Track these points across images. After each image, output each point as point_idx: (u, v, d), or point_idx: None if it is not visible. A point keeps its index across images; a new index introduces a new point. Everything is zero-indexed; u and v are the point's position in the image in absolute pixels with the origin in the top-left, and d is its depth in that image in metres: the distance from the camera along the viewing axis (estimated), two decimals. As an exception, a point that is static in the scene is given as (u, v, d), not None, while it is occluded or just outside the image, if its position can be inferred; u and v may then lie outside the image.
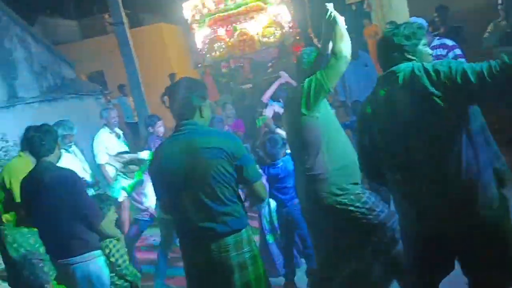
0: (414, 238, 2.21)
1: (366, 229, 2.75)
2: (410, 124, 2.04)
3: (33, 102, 7.44)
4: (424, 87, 1.97)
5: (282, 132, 4.00)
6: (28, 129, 3.00)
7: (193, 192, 2.30)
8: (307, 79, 2.78)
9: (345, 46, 2.75)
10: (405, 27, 2.16)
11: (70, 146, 4.73)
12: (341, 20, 2.83)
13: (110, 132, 5.56)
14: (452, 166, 1.99)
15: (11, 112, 6.88)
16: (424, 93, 1.98)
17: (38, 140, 2.92)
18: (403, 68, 2.09)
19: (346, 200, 2.72)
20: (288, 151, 3.77)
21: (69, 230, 2.86)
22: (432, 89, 1.95)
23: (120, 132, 5.80)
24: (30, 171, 3.01)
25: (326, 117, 2.81)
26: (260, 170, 3.94)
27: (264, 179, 4.06)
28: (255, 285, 2.37)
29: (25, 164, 3.44)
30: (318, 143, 2.76)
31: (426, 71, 2.00)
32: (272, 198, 3.92)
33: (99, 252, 2.98)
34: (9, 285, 3.57)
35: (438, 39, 4.36)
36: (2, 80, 6.97)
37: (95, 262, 2.95)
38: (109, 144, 5.50)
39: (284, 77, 5.71)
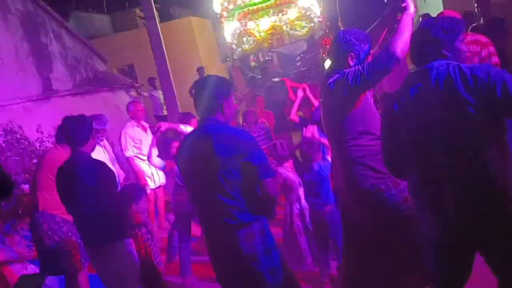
0: (434, 243, 2.16)
1: (397, 221, 2.64)
2: (438, 128, 1.97)
3: (66, 95, 7.65)
4: (457, 93, 1.89)
5: (325, 142, 3.98)
6: (65, 119, 3.10)
7: (206, 186, 2.47)
8: (352, 70, 2.60)
9: (403, 44, 2.45)
10: (444, 20, 2.07)
11: (102, 140, 4.84)
12: (411, 11, 2.54)
13: (137, 125, 5.64)
14: (480, 175, 1.93)
15: (45, 104, 7.09)
16: (457, 98, 1.89)
17: (73, 130, 3.02)
18: (437, 66, 2.00)
19: (382, 185, 2.61)
20: (328, 157, 3.78)
21: (99, 219, 2.92)
22: (467, 96, 1.87)
23: (147, 125, 5.86)
24: (65, 161, 3.11)
25: (364, 103, 2.71)
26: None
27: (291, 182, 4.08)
28: (270, 277, 2.45)
29: (64, 155, 3.57)
30: (355, 127, 2.69)
31: (463, 74, 1.90)
32: (307, 202, 3.94)
33: (129, 240, 3.04)
34: (41, 270, 3.70)
35: (471, 34, 4.15)
36: (37, 73, 7.18)
37: (125, 251, 3.02)
38: (136, 137, 5.57)
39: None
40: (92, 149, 3.17)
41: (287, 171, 4.11)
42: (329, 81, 2.69)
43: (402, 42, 2.43)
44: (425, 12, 8.40)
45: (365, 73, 2.52)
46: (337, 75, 2.67)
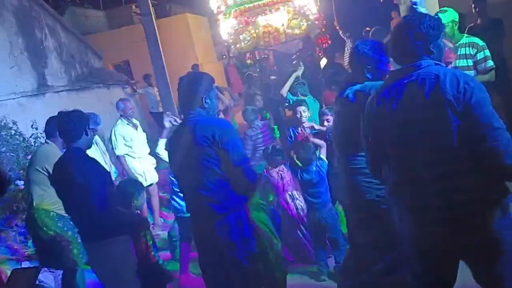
0: (413, 243, 2.14)
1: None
2: (420, 127, 1.94)
3: (61, 91, 7.61)
4: (443, 94, 1.87)
5: (318, 142, 3.99)
6: (59, 114, 3.07)
7: (188, 178, 2.66)
8: (375, 84, 2.54)
9: None
10: (429, 17, 2.08)
11: (93, 138, 4.81)
12: None
13: (127, 123, 5.60)
14: (460, 179, 1.91)
15: (40, 100, 7.05)
16: (441, 99, 1.87)
17: (65, 125, 2.98)
18: (426, 65, 1.99)
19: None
20: (322, 155, 3.81)
21: (93, 216, 2.89)
22: (451, 99, 1.85)
23: (137, 123, 5.83)
24: (60, 157, 3.10)
25: None
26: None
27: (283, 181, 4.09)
28: (248, 263, 2.63)
29: (55, 149, 3.59)
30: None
31: (455, 78, 1.88)
32: (305, 202, 3.97)
33: (124, 237, 3.03)
34: (40, 263, 3.70)
35: (467, 36, 4.11)
36: (32, 68, 7.14)
37: (119, 247, 3.01)
38: (127, 135, 5.54)
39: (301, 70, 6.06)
40: (88, 146, 3.12)
41: (271, 176, 4.13)
42: (346, 92, 2.67)
43: None
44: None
45: None
46: (357, 86, 2.65)
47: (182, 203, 4.13)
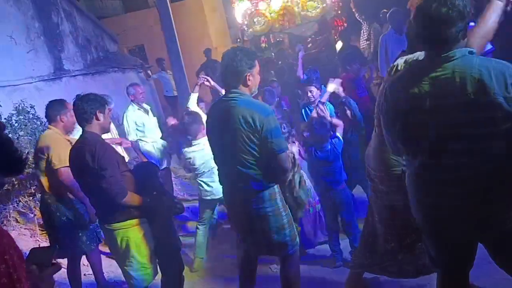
0: (433, 230, 2.11)
1: None
2: (457, 128, 1.78)
3: (77, 75, 7.67)
4: (491, 94, 1.68)
5: (336, 121, 3.94)
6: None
7: (225, 155, 2.75)
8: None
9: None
10: None
11: (109, 122, 4.83)
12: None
13: (139, 108, 5.63)
14: (494, 181, 1.81)
15: (57, 84, 7.12)
16: (488, 100, 1.69)
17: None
18: (459, 55, 1.77)
19: None
20: (338, 134, 3.78)
21: (106, 199, 2.93)
22: (501, 100, 1.67)
23: (148, 107, 5.85)
24: (76, 141, 3.13)
25: None
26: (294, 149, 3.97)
27: (292, 154, 4.08)
28: (276, 232, 2.79)
29: (56, 134, 3.61)
30: None
31: (501, 75, 1.69)
32: (318, 182, 3.94)
33: (140, 220, 3.06)
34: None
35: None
36: (49, 52, 7.19)
37: (134, 230, 3.05)
38: (138, 120, 5.58)
39: (302, 53, 6.25)
40: (103, 130, 3.11)
41: None
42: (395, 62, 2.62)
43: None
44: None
45: None
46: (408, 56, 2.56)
47: (208, 187, 4.16)
